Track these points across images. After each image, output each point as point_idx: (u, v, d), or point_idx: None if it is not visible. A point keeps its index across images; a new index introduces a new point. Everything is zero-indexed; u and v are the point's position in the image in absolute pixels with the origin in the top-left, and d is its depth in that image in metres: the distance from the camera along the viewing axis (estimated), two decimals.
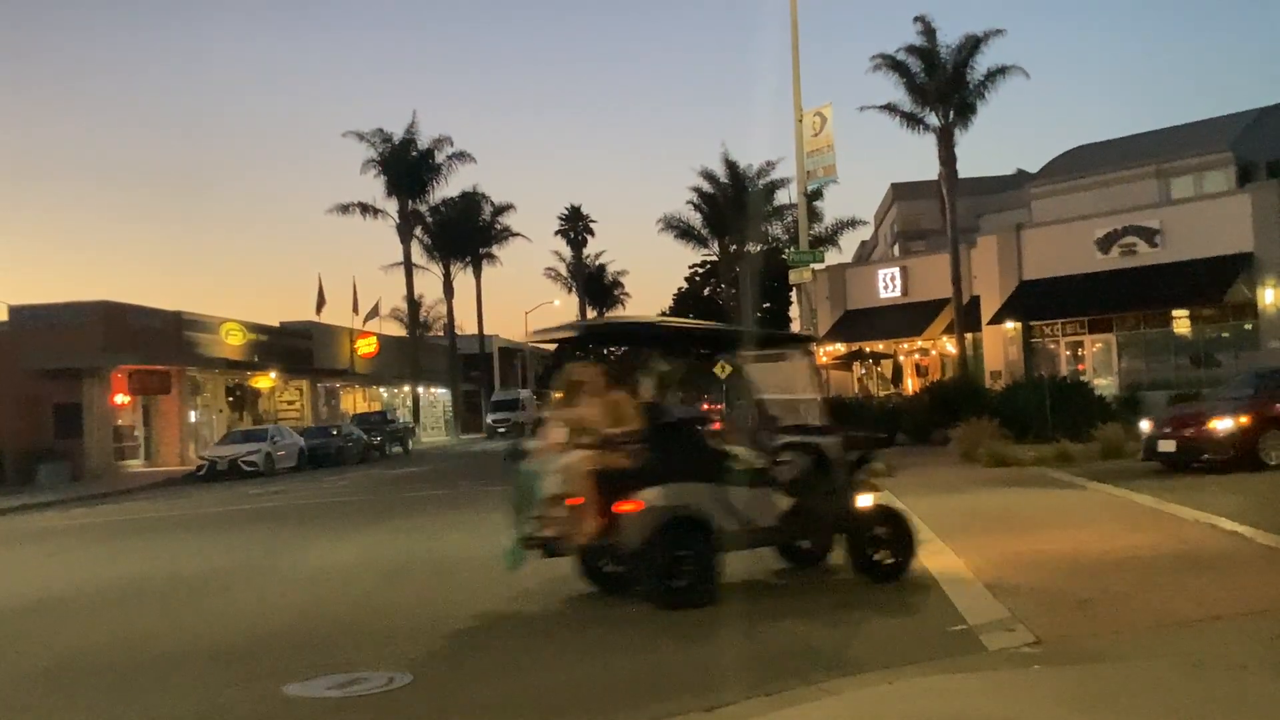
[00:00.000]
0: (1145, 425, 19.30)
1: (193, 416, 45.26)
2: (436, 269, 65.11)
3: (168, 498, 29.01)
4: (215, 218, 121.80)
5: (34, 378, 37.87)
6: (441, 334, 67.33)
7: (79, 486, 34.32)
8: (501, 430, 63.13)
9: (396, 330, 66.75)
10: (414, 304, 62.95)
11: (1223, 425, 17.66)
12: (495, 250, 69.18)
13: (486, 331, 73.05)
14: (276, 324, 55.07)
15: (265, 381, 49.84)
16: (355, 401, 61.12)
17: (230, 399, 48.48)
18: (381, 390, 64.45)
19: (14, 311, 40.21)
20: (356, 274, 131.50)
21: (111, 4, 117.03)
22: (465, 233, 65.77)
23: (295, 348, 54.38)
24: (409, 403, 63.28)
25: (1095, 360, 37.28)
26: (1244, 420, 17.60)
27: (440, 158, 61.37)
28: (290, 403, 53.64)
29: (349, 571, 12.64)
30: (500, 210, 69.02)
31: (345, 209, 60.07)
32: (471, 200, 66.73)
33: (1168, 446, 18.22)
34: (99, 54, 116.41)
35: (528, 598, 10.01)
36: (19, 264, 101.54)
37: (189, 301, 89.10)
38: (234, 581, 12.37)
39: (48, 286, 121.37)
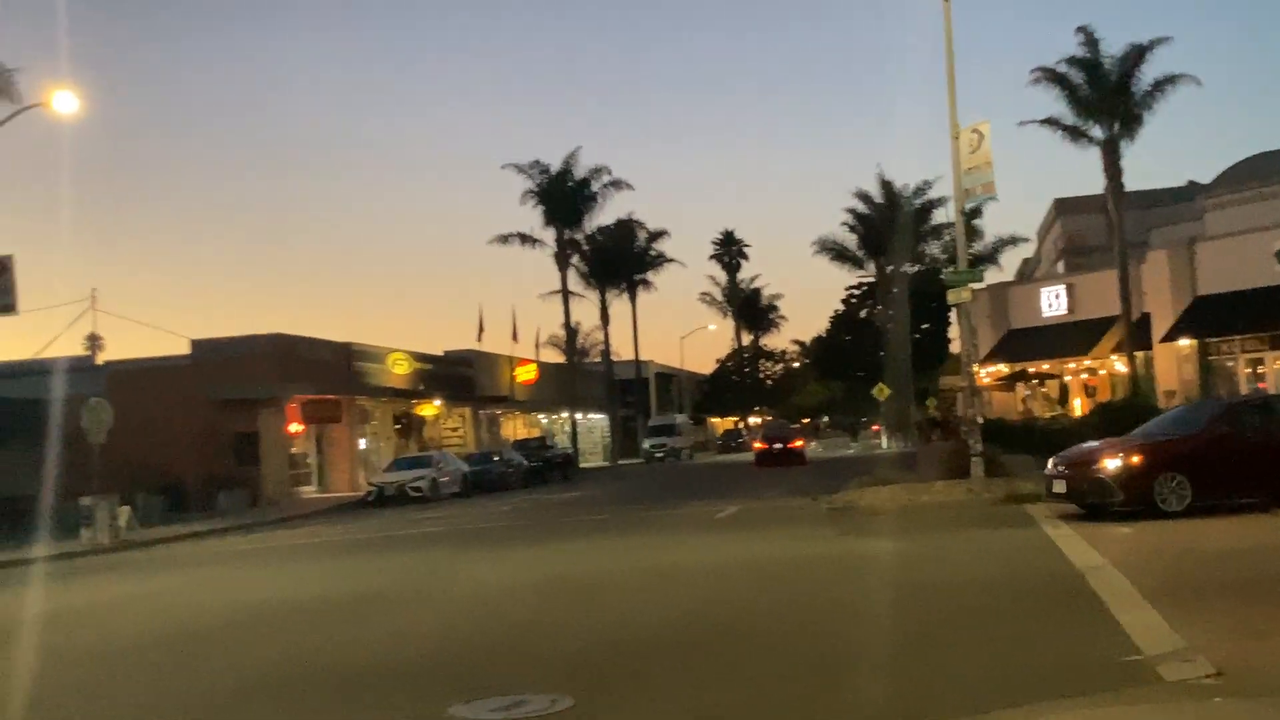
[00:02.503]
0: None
1: (362, 444, 46.92)
2: (593, 296, 66.11)
3: (339, 522, 30.10)
4: (381, 251, 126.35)
5: (214, 408, 39.86)
6: (598, 360, 68.19)
7: (256, 512, 35.91)
8: (659, 455, 63.47)
9: (555, 357, 67.95)
10: (571, 331, 63.98)
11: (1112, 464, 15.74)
12: (650, 276, 69.87)
13: (642, 357, 73.68)
14: (440, 353, 56.69)
15: (430, 409, 51.32)
16: (515, 428, 62.33)
17: (397, 426, 50.07)
18: (540, 416, 65.56)
19: (196, 345, 42.44)
20: (515, 302, 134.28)
21: (268, 40, 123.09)
22: (621, 259, 66.60)
23: (458, 376, 55.85)
24: (567, 428, 64.24)
25: (1278, 378, 35.36)
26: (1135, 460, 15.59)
27: (596, 187, 62.42)
28: (454, 429, 55.10)
29: (511, 593, 12.91)
30: (655, 236, 69.70)
31: (505, 239, 61.63)
32: (627, 227, 67.57)
33: (1059, 487, 16.51)
34: (266, 94, 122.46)
35: (682, 621, 10.04)
36: (201, 299, 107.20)
37: (357, 333, 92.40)
38: (401, 602, 12.76)
39: (227, 320, 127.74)
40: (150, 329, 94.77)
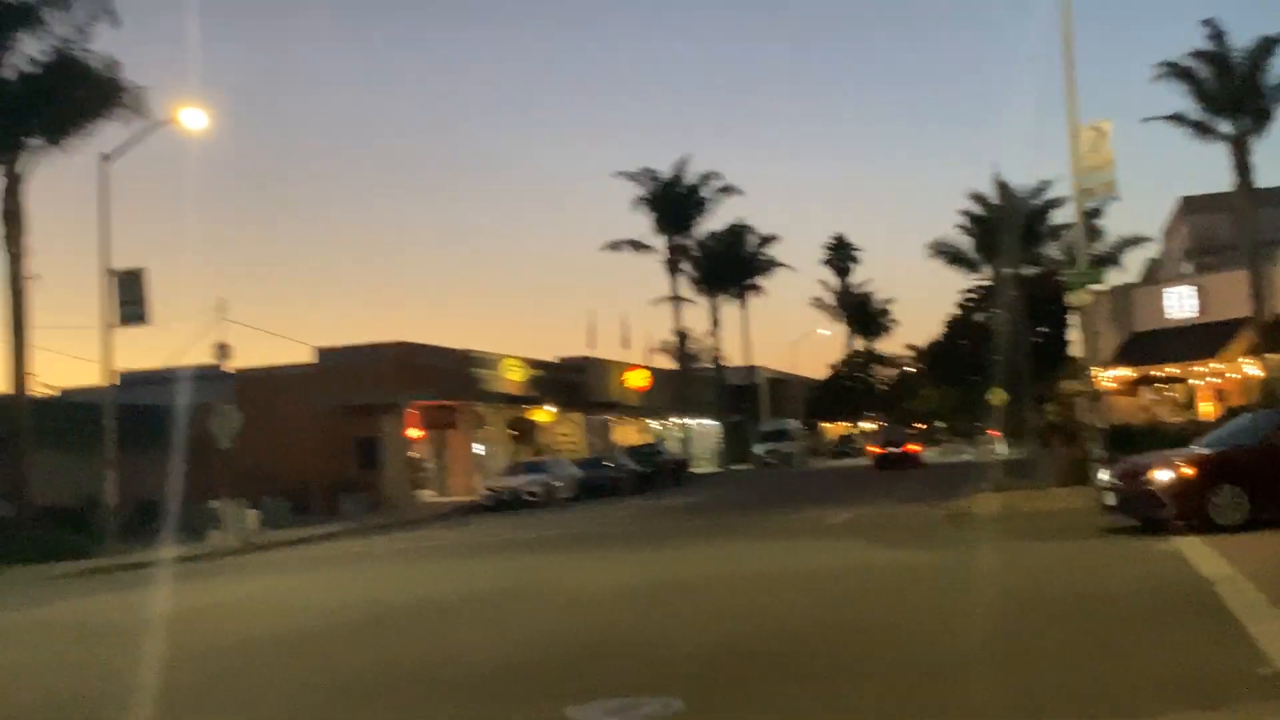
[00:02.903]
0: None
1: (478, 449, 47.71)
2: (703, 301, 66.14)
3: (457, 526, 30.69)
4: (496, 259, 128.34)
5: (338, 414, 40.97)
6: (709, 365, 68.21)
7: (377, 515, 36.79)
8: (770, 461, 63.15)
9: (666, 363, 68.17)
10: (682, 336, 64.10)
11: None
12: (760, 281, 69.64)
13: (753, 362, 73.43)
14: (553, 359, 57.31)
15: (543, 415, 51.93)
16: (627, 433, 62.63)
17: (512, 432, 50.78)
18: (652, 422, 65.80)
19: (321, 353, 43.66)
20: (626, 309, 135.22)
21: (382, 52, 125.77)
22: (731, 265, 66.54)
23: (570, 382, 56.39)
24: (678, 434, 64.29)
25: None
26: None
27: (706, 193, 62.51)
28: (566, 435, 55.63)
29: (622, 596, 13.05)
30: (765, 241, 69.46)
31: (615, 246, 62.04)
32: (737, 233, 67.49)
33: (1111, 499, 16.12)
34: (383, 106, 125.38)
35: (791, 626, 10.03)
36: (325, 308, 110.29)
37: (473, 340, 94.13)
38: (515, 604, 13.00)
39: (349, 328, 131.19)
40: (276, 338, 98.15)
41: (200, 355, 35.50)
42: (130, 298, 28.73)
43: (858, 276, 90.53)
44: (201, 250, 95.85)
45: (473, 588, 14.91)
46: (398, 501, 40.67)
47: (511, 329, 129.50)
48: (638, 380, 62.82)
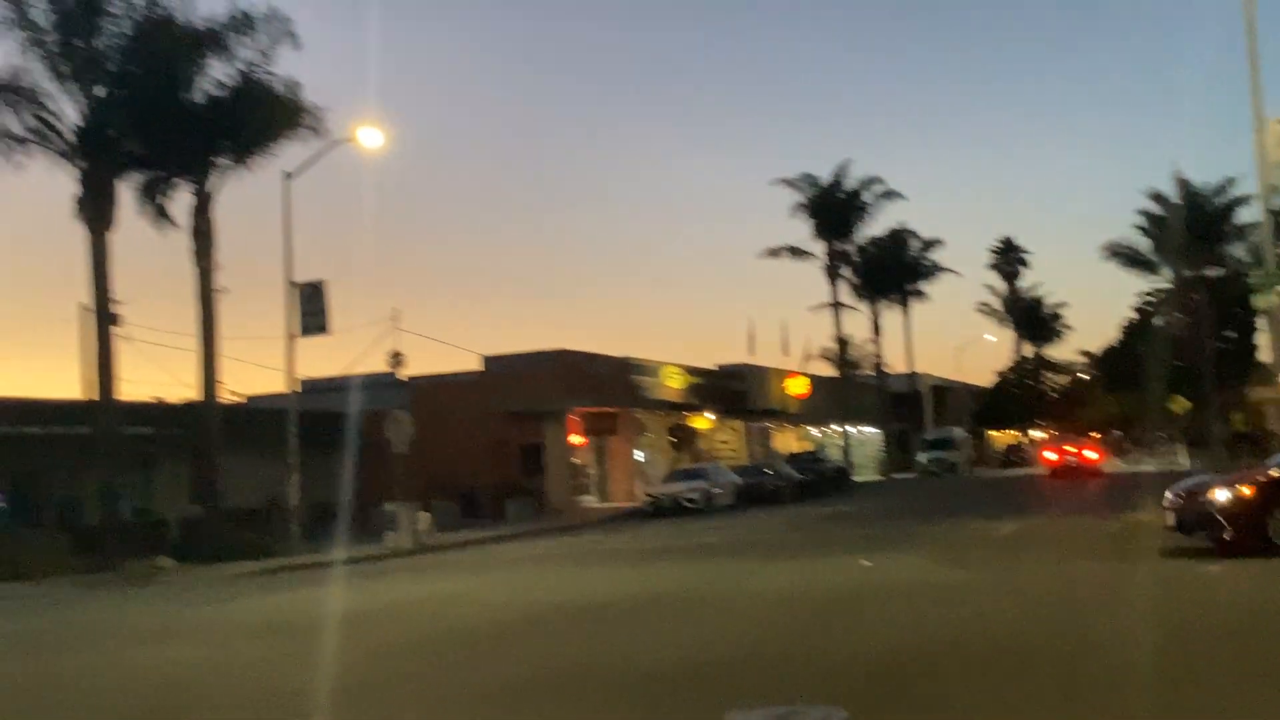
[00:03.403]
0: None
1: (638, 455, 48.19)
2: (864, 307, 65.31)
3: (618, 531, 31.08)
4: (655, 266, 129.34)
5: (503, 420, 42.01)
6: (871, 373, 67.30)
7: (542, 520, 37.55)
8: (934, 470, 61.84)
9: (826, 370, 67.56)
10: (842, 343, 63.43)
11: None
12: (923, 286, 68.36)
13: (916, 369, 72.07)
14: (712, 366, 57.44)
15: (703, 422, 52.09)
16: (787, 441, 62.29)
17: (671, 439, 51.10)
18: (812, 429, 65.26)
19: (488, 361, 44.83)
20: (786, 315, 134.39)
21: (540, 64, 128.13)
22: (892, 270, 65.55)
23: (730, 389, 56.43)
24: (839, 442, 63.63)
25: None
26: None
27: (867, 197, 61.79)
28: (726, 442, 55.67)
29: (781, 603, 13.05)
30: (928, 246, 68.17)
31: (774, 253, 61.83)
32: (898, 237, 66.44)
33: (1170, 520, 15.53)
34: (543, 117, 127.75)
35: (952, 638, 9.86)
36: (491, 317, 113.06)
37: (633, 347, 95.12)
38: (676, 609, 13.12)
39: (514, 337, 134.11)
40: (446, 346, 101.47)
41: (375, 363, 36.88)
42: (312, 309, 30.11)
43: (1027, 280, 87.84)
44: (376, 261, 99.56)
45: (633, 591, 15.11)
46: (560, 506, 41.40)
47: (671, 337, 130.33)
48: (797, 387, 62.40)
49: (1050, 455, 54.53)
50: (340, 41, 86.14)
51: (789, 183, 61.56)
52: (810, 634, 10.86)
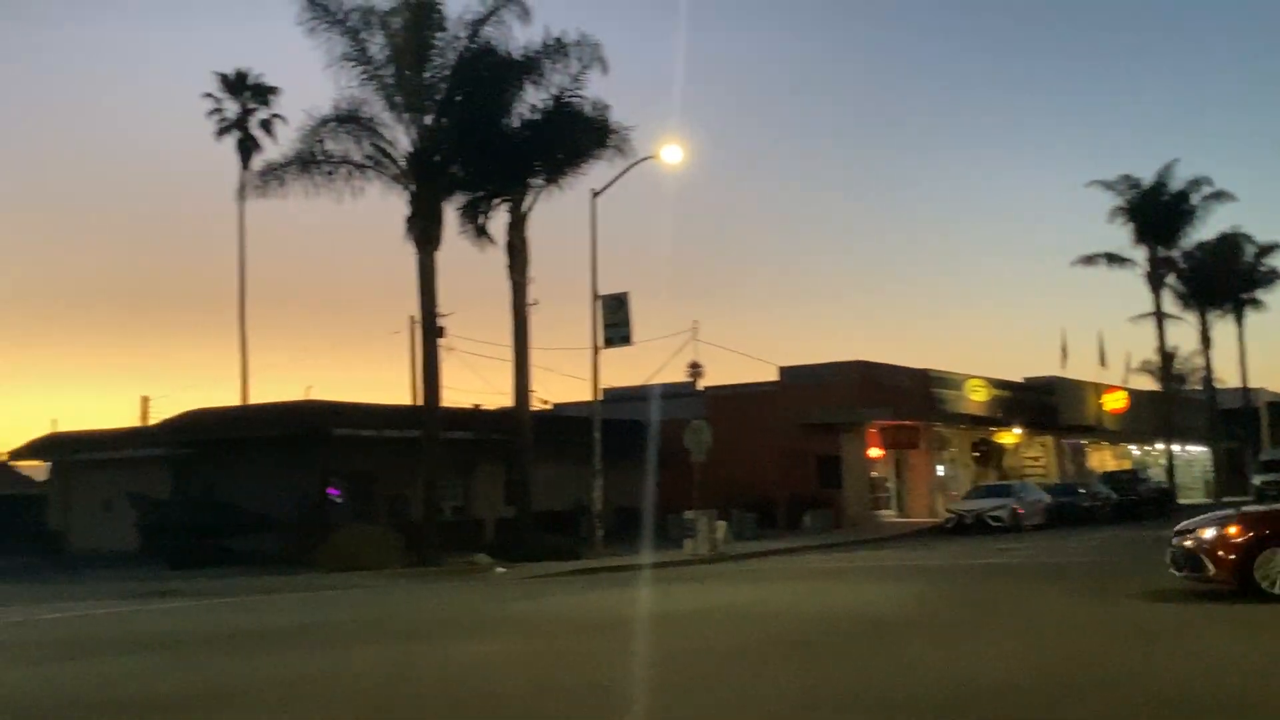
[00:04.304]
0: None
1: (939, 470, 46.91)
2: (1191, 318, 60.84)
3: (915, 547, 30.35)
4: (958, 276, 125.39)
5: (799, 431, 41.99)
6: (1198, 388, 62.54)
7: (838, 533, 37.23)
8: (1272, 493, 56.67)
9: (1147, 384, 63.33)
10: (1166, 356, 59.31)
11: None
12: (1260, 295, 62.87)
13: (1252, 384, 66.35)
14: (1019, 379, 55.15)
15: (1009, 437, 50.09)
16: (1103, 459, 58.96)
17: (975, 454, 49.44)
18: (1131, 448, 61.44)
19: (784, 372, 44.96)
20: (1101, 326, 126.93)
21: (826, 71, 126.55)
22: (1223, 277, 60.66)
23: (1039, 403, 53.99)
24: (1163, 461, 59.52)
25: None
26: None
27: (1195, 200, 57.54)
28: (1035, 459, 53.27)
29: (1089, 627, 12.42)
30: (1265, 251, 62.64)
31: (1089, 260, 58.61)
32: (1230, 242, 61.41)
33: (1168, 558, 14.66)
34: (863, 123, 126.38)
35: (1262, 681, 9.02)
36: (789, 327, 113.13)
37: (933, 359, 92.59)
38: (963, 631, 12.67)
39: (812, 347, 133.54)
40: (743, 357, 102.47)
41: (674, 374, 37.82)
42: (615, 321, 31.21)
43: None
44: (676, 273, 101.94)
45: (916, 612, 14.77)
46: (857, 519, 40.91)
47: (975, 348, 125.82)
48: (1115, 402, 58.87)
49: None
50: (640, 52, 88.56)
51: (1106, 185, 58.17)
52: (1127, 662, 10.20)
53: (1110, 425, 58.75)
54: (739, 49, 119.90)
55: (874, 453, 43.55)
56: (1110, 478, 47.83)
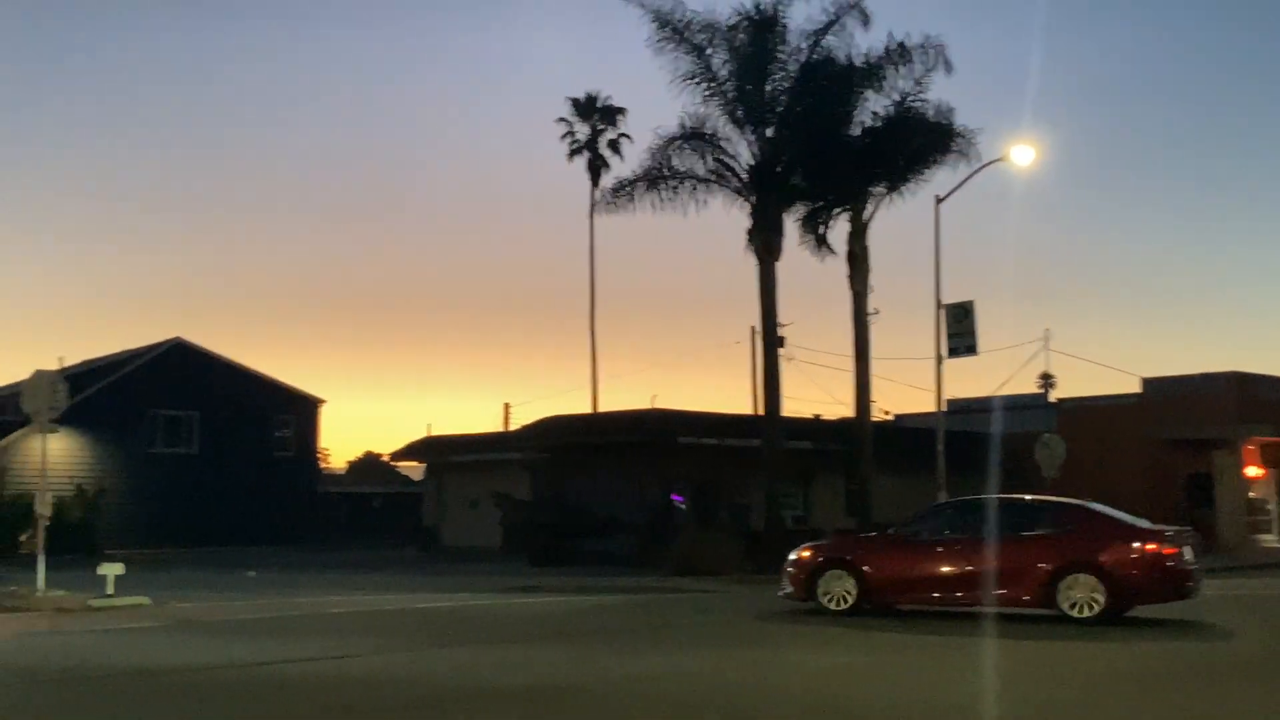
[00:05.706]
0: None
1: None
2: None
3: None
4: None
5: (1165, 447, 39.01)
6: None
7: (1210, 558, 34.22)
8: None
9: None
10: None
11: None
12: None
13: None
14: None
15: None
16: None
17: None
18: None
19: (1147, 383, 41.97)
20: None
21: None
22: None
23: None
24: None
25: None
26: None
27: None
28: None
29: None
30: None
31: None
32: None
33: None
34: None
35: None
36: (1153, 337, 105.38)
37: None
38: None
39: (1180, 357, 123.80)
40: (1099, 367, 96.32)
41: (1023, 385, 36.23)
42: (959, 330, 30.31)
43: None
44: (1025, 280, 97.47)
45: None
46: (1233, 544, 37.55)
47: None
48: None
49: None
50: (976, 49, 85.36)
51: None
52: None
53: None
54: (1090, 44, 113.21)
55: (1252, 471, 39.84)
56: None
